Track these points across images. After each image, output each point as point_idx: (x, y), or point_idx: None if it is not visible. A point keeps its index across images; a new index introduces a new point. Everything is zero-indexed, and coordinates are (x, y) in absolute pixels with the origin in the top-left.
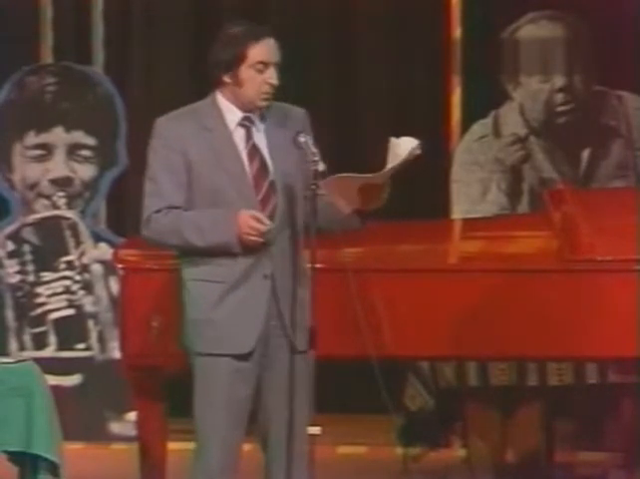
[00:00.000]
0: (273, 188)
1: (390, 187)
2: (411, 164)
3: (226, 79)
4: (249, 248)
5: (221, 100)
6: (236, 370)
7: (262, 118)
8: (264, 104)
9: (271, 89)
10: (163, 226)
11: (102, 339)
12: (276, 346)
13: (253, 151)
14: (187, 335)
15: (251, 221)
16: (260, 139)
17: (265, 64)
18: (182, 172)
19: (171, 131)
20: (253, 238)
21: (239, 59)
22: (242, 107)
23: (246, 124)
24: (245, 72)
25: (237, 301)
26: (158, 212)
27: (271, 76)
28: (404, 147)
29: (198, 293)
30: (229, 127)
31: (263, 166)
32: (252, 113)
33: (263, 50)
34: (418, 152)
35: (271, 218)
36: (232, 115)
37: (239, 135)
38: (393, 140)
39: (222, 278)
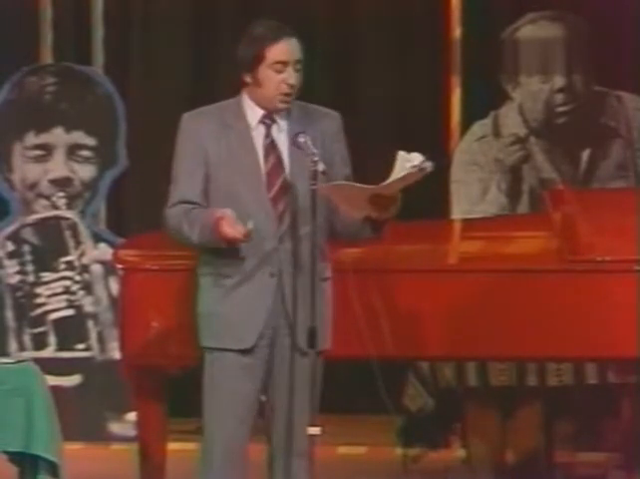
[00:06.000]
0: (286, 186)
1: (400, 199)
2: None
3: (247, 79)
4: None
5: (246, 99)
6: (241, 366)
7: (288, 117)
8: (283, 105)
9: (289, 89)
10: (172, 220)
11: (102, 340)
12: (283, 345)
13: (270, 148)
14: (198, 329)
15: (225, 227)
16: (281, 138)
17: (283, 63)
18: (200, 167)
19: (193, 126)
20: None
21: (258, 59)
22: (263, 107)
23: (267, 122)
24: (264, 72)
25: (242, 297)
26: (172, 207)
27: (289, 76)
28: (411, 161)
29: (206, 288)
30: (250, 124)
31: (279, 164)
32: (274, 113)
33: (281, 50)
34: (428, 169)
35: (282, 217)
36: (254, 113)
37: (259, 132)
38: (400, 153)
39: (230, 274)
